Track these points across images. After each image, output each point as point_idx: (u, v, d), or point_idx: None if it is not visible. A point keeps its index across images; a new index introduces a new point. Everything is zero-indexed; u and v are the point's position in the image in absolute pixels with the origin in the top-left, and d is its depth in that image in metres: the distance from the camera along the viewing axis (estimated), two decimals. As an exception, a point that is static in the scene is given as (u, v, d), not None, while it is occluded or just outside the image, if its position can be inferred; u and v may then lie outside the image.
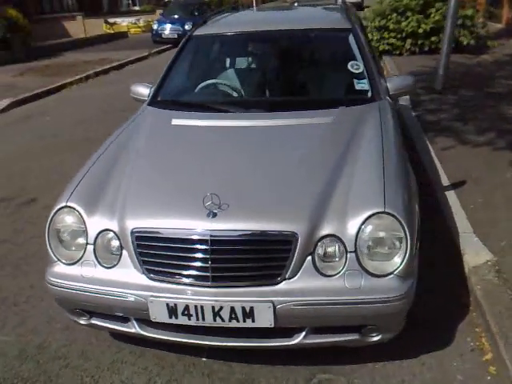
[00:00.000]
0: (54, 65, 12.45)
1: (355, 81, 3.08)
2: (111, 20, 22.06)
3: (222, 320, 1.97)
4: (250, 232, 1.96)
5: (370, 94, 2.99)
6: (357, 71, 3.10)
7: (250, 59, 3.73)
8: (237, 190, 2.14)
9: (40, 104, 8.52)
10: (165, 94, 3.25)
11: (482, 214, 3.34)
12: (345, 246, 1.97)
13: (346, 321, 2.00)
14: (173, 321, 2.02)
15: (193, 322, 2.00)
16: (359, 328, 2.03)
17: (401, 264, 1.97)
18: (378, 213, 1.99)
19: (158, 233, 2.04)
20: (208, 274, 1.96)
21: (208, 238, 1.96)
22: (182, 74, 3.44)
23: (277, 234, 1.96)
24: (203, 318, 1.98)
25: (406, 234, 1.97)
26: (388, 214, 1.98)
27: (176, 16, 16.74)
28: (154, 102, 3.21)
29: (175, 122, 2.85)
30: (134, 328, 2.15)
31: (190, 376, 2.23)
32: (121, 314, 2.14)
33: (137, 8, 32.60)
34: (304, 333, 2.03)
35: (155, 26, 16.48)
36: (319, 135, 2.59)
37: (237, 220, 1.99)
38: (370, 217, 1.99)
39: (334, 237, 1.98)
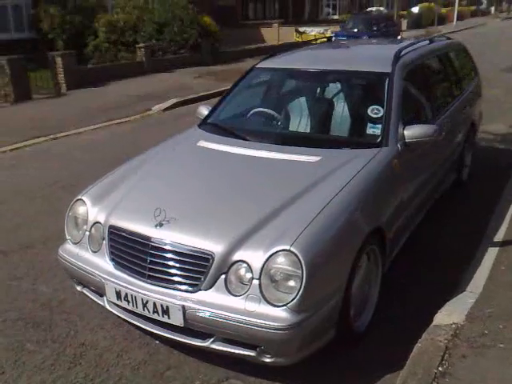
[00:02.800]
0: (230, 70, 13.86)
1: (369, 125, 3.21)
2: (301, 29, 23.28)
3: (148, 311, 2.44)
4: (178, 244, 2.40)
5: (378, 140, 3.10)
6: (375, 116, 3.22)
7: (292, 94, 4.02)
8: (188, 209, 2.59)
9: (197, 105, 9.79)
10: (214, 118, 3.78)
11: (507, 277, 3.15)
12: (252, 273, 2.27)
13: (243, 338, 2.28)
14: (119, 303, 2.56)
15: (130, 307, 2.51)
16: (255, 347, 2.30)
17: (293, 300, 2.19)
18: (284, 250, 2.24)
19: (122, 232, 2.61)
20: (145, 272, 2.46)
21: (150, 243, 2.46)
22: (235, 101, 3.91)
23: (198, 251, 2.36)
24: (136, 306, 2.48)
25: (303, 275, 2.18)
26: (292, 252, 2.22)
27: (355, 30, 17.04)
28: (203, 123, 3.77)
29: (200, 143, 3.36)
30: (103, 302, 2.75)
31: (138, 350, 2.78)
32: (95, 290, 2.76)
33: (336, 17, 33.67)
34: (212, 339, 2.38)
35: (333, 38, 17.02)
36: (293, 172, 2.87)
37: (174, 233, 2.45)
38: (277, 252, 2.25)
39: (245, 263, 2.29)
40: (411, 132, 3.12)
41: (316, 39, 22.25)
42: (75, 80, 11.51)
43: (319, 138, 3.41)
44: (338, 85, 3.71)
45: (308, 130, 3.54)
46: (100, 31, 15.46)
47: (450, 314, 2.76)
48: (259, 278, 2.25)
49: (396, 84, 3.33)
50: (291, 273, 2.22)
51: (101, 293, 2.73)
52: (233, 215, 2.51)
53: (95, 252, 2.73)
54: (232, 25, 22.96)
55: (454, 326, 2.64)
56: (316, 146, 3.13)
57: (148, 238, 2.48)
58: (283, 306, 2.20)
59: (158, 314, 2.41)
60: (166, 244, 2.43)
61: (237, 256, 2.31)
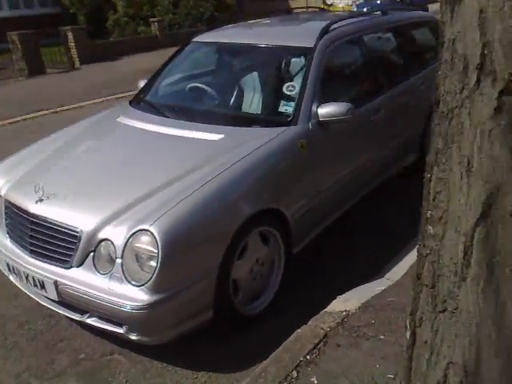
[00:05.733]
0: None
1: (282, 102, 3.10)
2: (329, 1, 22.61)
3: (31, 284, 2.51)
4: (52, 220, 2.44)
5: (289, 119, 2.98)
6: (289, 93, 3.11)
7: (220, 70, 3.91)
8: (70, 186, 2.62)
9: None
10: (144, 93, 3.73)
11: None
12: (116, 252, 2.28)
13: (109, 315, 2.30)
14: (9, 275, 2.64)
15: (18, 280, 2.59)
16: (122, 324, 2.33)
17: (149, 279, 2.19)
18: (144, 230, 2.23)
19: (12, 206, 2.68)
20: (27, 247, 2.52)
21: (30, 218, 2.52)
22: (168, 76, 3.84)
23: (68, 228, 2.39)
24: (21, 279, 2.55)
25: (159, 255, 2.17)
26: (150, 232, 2.21)
27: (378, 1, 16.43)
28: (134, 98, 3.74)
29: (120, 119, 3.34)
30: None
31: (42, 320, 2.88)
32: None
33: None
34: (88, 314, 2.41)
35: (354, 9, 16.54)
36: (190, 150, 2.81)
37: (50, 209, 2.48)
38: (138, 231, 2.25)
39: (110, 242, 2.30)
40: (324, 110, 2.97)
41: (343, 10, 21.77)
42: (88, 54, 11.70)
43: (229, 115, 3.31)
44: (261, 60, 3.55)
45: (222, 107, 3.44)
46: (118, 5, 15.59)
47: (346, 301, 2.68)
48: (122, 257, 2.26)
49: (316, 60, 3.15)
50: (150, 253, 2.21)
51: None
52: (110, 194, 2.52)
53: (2, 223, 2.80)
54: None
55: (344, 313, 2.56)
56: (225, 123, 3.06)
57: (28, 213, 2.53)
58: (141, 285, 2.21)
59: (38, 288, 2.48)
60: (42, 220, 2.47)
61: (103, 234, 2.32)
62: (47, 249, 2.46)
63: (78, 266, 2.37)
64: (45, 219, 2.46)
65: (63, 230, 2.41)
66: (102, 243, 2.32)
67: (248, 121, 3.15)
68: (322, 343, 2.36)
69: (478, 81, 1.21)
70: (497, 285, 1.27)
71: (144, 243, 2.23)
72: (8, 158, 3.12)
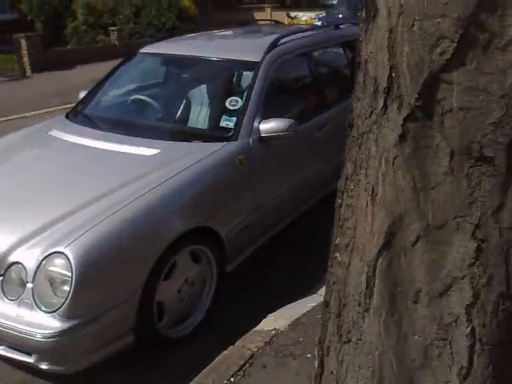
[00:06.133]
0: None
1: (224, 117, 3.02)
2: (293, 14, 22.83)
3: None
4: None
5: (230, 133, 2.92)
6: (232, 107, 3.04)
7: (165, 82, 3.84)
8: None
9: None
10: (83, 105, 3.59)
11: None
12: (27, 276, 2.13)
13: (18, 344, 2.15)
14: None
15: None
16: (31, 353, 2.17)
17: (62, 305, 2.05)
18: (58, 252, 2.10)
19: None
20: None
21: None
22: (111, 87, 3.74)
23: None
24: None
25: (72, 279, 2.05)
26: (64, 255, 2.08)
27: (340, 15, 16.65)
28: (71, 110, 3.59)
29: (52, 132, 3.20)
30: None
31: None
32: None
33: (334, 1, 32.96)
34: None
35: (317, 22, 16.67)
36: (122, 166, 2.72)
37: None
38: (52, 254, 2.11)
39: (21, 265, 2.15)
40: (266, 126, 2.93)
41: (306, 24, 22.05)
42: (41, 63, 11.37)
43: (168, 129, 3.22)
44: (207, 73, 3.50)
45: (163, 121, 3.37)
46: (78, 13, 15.27)
47: (277, 319, 2.61)
48: (33, 282, 2.11)
49: (261, 74, 3.11)
50: (63, 277, 2.09)
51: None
52: (27, 213, 2.39)
53: None
54: (226, 9, 22.59)
55: (273, 332, 2.50)
56: (163, 137, 2.97)
57: None
58: (52, 312, 2.07)
59: None
60: None
61: (14, 257, 2.17)
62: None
63: None
64: None
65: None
66: (13, 266, 2.18)
67: (187, 135, 3.07)
68: (247, 364, 2.29)
69: (385, 105, 1.16)
70: (399, 316, 1.23)
71: (58, 266, 2.10)
72: None
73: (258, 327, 2.57)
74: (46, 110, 8.17)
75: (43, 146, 3.15)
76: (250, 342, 2.43)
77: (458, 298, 1.12)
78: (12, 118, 7.75)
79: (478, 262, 1.08)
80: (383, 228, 1.20)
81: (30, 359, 2.16)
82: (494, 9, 0.96)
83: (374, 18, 1.17)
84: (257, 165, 2.95)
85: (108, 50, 13.33)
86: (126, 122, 3.32)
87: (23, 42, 11.23)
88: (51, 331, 2.04)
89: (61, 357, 2.16)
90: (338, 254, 1.39)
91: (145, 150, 2.79)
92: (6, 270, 2.18)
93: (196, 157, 2.70)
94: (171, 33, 14.80)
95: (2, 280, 2.18)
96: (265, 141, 2.96)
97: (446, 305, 1.14)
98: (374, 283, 1.23)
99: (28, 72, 11.29)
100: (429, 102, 1.05)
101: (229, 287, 2.90)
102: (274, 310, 2.71)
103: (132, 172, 2.61)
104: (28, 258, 2.14)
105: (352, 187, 1.33)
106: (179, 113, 3.30)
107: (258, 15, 24.26)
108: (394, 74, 1.12)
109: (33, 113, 8.00)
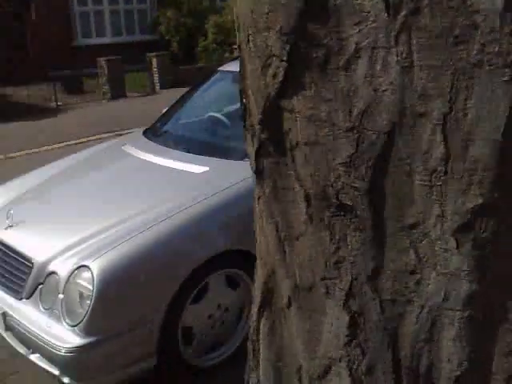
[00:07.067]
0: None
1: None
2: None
3: None
4: (13, 248, 2.43)
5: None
6: None
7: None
8: (40, 214, 2.60)
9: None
10: (160, 122, 3.69)
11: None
12: (59, 287, 2.21)
13: (46, 355, 2.19)
14: None
15: None
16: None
17: (82, 319, 2.08)
18: (85, 266, 2.15)
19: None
20: (-6, 272, 2.53)
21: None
22: (189, 105, 3.78)
23: (23, 257, 2.36)
24: None
25: (93, 292, 2.07)
26: (89, 269, 2.12)
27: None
28: (149, 127, 3.72)
29: (125, 147, 3.33)
30: None
31: (2, 350, 2.74)
32: None
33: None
34: (32, 349, 2.29)
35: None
36: (173, 183, 2.71)
37: (14, 236, 2.48)
38: (80, 267, 2.17)
39: (57, 275, 2.24)
40: None
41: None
42: (169, 80, 12.17)
43: (224, 147, 3.15)
44: None
45: (232, 139, 3.27)
46: (209, 32, 16.12)
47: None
48: (63, 293, 2.17)
49: None
50: (88, 291, 2.11)
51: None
52: (75, 224, 2.47)
53: None
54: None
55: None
56: (219, 156, 2.91)
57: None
58: (74, 326, 2.10)
59: None
60: (6, 247, 2.48)
61: (53, 266, 2.26)
62: (5, 277, 2.45)
63: (27, 299, 2.31)
64: (8, 246, 2.47)
65: (20, 258, 2.39)
66: (51, 276, 2.26)
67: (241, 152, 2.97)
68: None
69: (246, 137, 0.99)
70: None
71: (85, 280, 2.14)
72: (10, 181, 3.21)
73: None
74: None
75: (113, 160, 3.29)
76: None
77: None
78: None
79: (354, 341, 0.81)
80: (260, 281, 0.99)
81: (55, 371, 2.20)
82: (324, 18, 0.72)
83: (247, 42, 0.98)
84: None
85: (232, 66, 13.83)
86: (193, 140, 3.33)
87: (154, 61, 12.13)
88: (70, 346, 2.07)
89: (80, 373, 2.17)
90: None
91: (196, 168, 2.75)
92: (45, 279, 2.28)
93: (241, 175, 2.61)
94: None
95: (42, 288, 2.28)
96: None
97: None
98: (259, 351, 1.01)
99: (157, 88, 12.16)
100: (276, 133, 0.84)
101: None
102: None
103: (178, 188, 2.62)
104: (63, 268, 2.21)
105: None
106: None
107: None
108: (244, 100, 0.93)
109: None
